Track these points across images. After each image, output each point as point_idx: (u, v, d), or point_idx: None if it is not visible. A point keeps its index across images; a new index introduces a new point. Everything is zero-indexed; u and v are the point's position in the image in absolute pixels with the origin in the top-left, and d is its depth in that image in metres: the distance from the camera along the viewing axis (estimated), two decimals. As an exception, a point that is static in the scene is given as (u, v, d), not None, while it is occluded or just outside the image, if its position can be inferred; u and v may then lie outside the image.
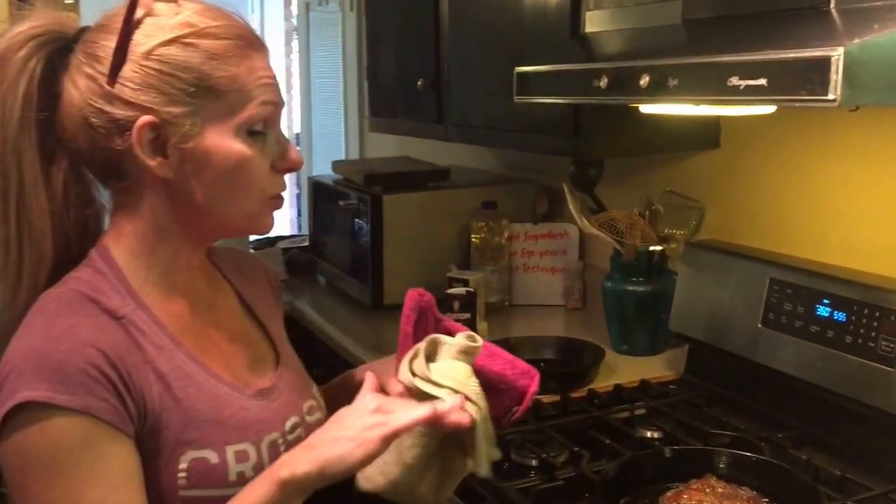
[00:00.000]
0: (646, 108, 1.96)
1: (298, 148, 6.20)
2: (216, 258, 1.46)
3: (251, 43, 1.26)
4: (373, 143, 4.67)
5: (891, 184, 1.94)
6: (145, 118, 1.19)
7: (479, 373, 1.34)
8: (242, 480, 1.22)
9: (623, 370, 2.36)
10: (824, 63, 1.23)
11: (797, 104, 1.30)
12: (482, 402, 1.29)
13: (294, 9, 6.34)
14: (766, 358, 2.00)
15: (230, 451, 1.24)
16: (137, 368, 1.19)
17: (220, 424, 1.25)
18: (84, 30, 1.26)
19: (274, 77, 1.28)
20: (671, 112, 1.94)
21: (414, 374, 1.29)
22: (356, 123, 4.95)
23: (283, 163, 1.29)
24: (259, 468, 1.24)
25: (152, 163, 1.21)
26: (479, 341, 1.34)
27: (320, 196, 3.51)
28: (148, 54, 1.19)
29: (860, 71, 1.23)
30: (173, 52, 1.20)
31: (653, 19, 1.87)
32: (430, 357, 1.32)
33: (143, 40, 1.20)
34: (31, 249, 1.24)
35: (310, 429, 1.33)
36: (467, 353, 1.32)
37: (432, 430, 1.27)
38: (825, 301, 1.88)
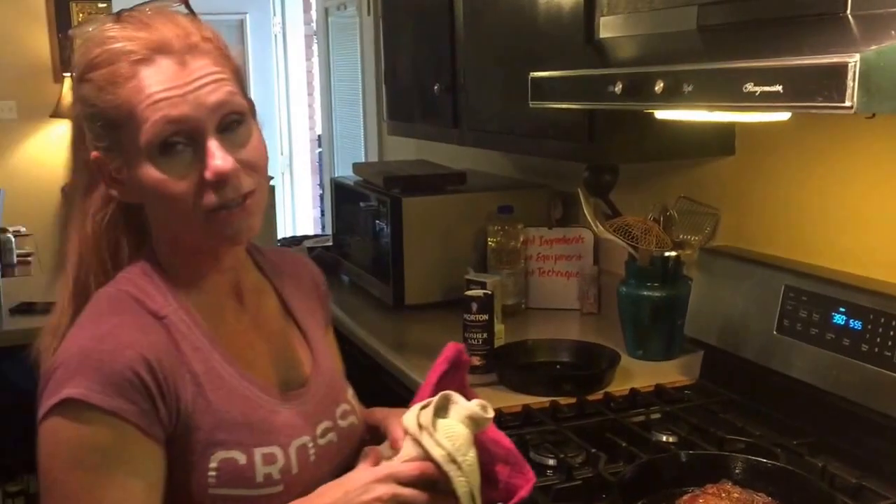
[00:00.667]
0: (661, 114, 1.94)
1: (320, 150, 6.21)
2: (260, 258, 1.47)
3: (146, 57, 1.20)
4: (392, 146, 4.67)
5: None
6: (93, 153, 1.25)
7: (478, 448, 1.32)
8: (270, 482, 1.25)
9: (638, 375, 2.35)
10: (840, 70, 1.22)
11: (813, 111, 1.28)
12: (475, 475, 1.28)
13: (314, 13, 6.35)
14: (782, 365, 1.97)
15: (258, 454, 1.26)
16: (174, 370, 1.22)
17: (249, 427, 1.26)
18: None
19: (185, 85, 1.20)
20: (686, 118, 1.92)
21: (420, 427, 1.28)
22: (375, 126, 4.95)
23: (207, 173, 1.20)
24: (287, 471, 1.27)
25: (114, 192, 1.27)
26: (491, 413, 1.31)
27: (342, 197, 3.53)
28: (77, 96, 1.26)
29: (877, 78, 1.21)
30: (83, 91, 1.24)
31: (668, 25, 1.85)
32: (440, 412, 1.30)
33: (76, 80, 1.25)
34: (78, 259, 1.31)
35: (342, 433, 1.39)
36: (475, 422, 1.30)
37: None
38: (841, 309, 1.85)
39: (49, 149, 6.93)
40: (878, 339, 1.75)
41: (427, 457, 1.27)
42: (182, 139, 1.20)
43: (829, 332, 1.87)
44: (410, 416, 1.31)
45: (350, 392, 1.49)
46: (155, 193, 1.22)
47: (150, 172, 1.20)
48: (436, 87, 2.94)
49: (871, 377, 1.76)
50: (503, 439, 1.39)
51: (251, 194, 1.25)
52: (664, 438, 1.92)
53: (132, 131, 1.19)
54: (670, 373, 2.35)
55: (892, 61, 1.22)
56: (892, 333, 1.73)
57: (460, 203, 3.08)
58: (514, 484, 1.36)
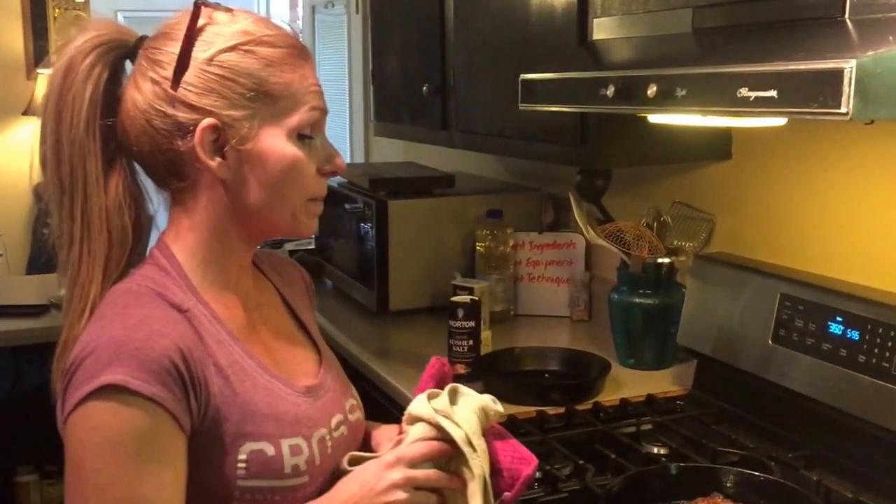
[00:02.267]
0: (654, 118, 1.95)
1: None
2: (257, 260, 1.52)
3: (302, 52, 1.34)
4: (379, 147, 4.67)
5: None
6: (208, 121, 1.27)
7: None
8: (297, 472, 1.30)
9: (629, 384, 2.35)
10: (836, 75, 1.22)
11: (808, 117, 1.29)
12: (486, 462, 1.36)
13: (300, 11, 6.35)
14: (777, 375, 1.98)
15: (285, 445, 1.30)
16: (202, 361, 1.25)
17: (276, 419, 1.31)
18: (143, 38, 1.34)
19: (320, 86, 1.36)
20: (680, 122, 1.92)
21: (436, 411, 1.36)
22: (362, 127, 4.95)
23: (330, 166, 1.37)
24: (311, 462, 1.32)
25: (212, 163, 1.29)
26: (501, 407, 1.40)
27: (326, 198, 3.49)
28: (210, 60, 1.27)
29: (874, 84, 1.22)
30: (233, 58, 1.28)
31: (662, 27, 1.86)
32: (452, 401, 1.39)
33: (204, 47, 1.28)
34: (89, 247, 1.31)
35: (351, 426, 1.45)
36: (486, 414, 1.39)
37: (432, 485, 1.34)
38: (838, 318, 1.86)
39: (19, 148, 6.88)
40: (877, 350, 1.76)
41: (440, 439, 1.34)
42: (311, 132, 1.34)
43: (825, 342, 1.87)
44: (420, 405, 1.38)
45: (353, 388, 1.55)
46: (284, 169, 1.31)
47: (290, 149, 1.31)
48: (425, 88, 2.94)
49: (869, 389, 1.76)
50: (505, 432, 1.46)
51: None
52: (655, 450, 1.93)
53: (284, 109, 1.31)
54: (662, 382, 2.35)
55: (890, 67, 1.23)
56: (890, 344, 1.74)
57: (448, 206, 3.08)
58: (517, 469, 1.41)
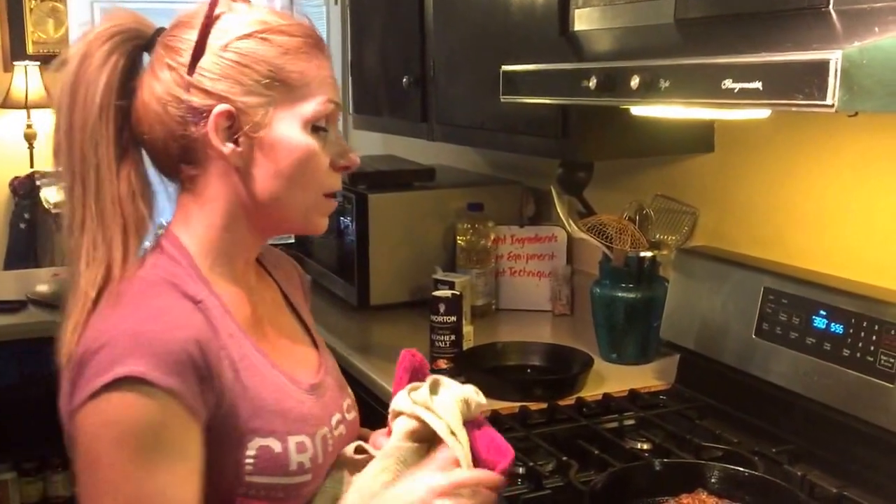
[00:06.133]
0: (637, 110, 1.94)
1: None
2: (259, 255, 1.51)
3: (318, 43, 1.36)
4: (358, 140, 4.64)
5: (892, 192, 1.92)
6: (222, 106, 1.28)
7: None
8: (302, 470, 1.31)
9: (612, 379, 2.35)
10: (822, 66, 1.22)
11: (793, 109, 1.28)
12: (469, 452, 1.37)
13: (278, 1, 6.32)
14: (760, 370, 1.98)
15: (292, 442, 1.31)
16: (217, 354, 1.25)
17: (283, 415, 1.31)
18: (161, 30, 1.35)
19: (335, 78, 1.38)
20: (663, 115, 1.92)
21: (417, 403, 1.38)
22: (340, 119, 4.93)
23: (343, 161, 1.38)
24: (314, 460, 1.33)
25: (225, 150, 1.30)
26: (483, 398, 1.43)
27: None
28: (226, 47, 1.29)
29: (859, 75, 1.22)
30: (250, 45, 1.29)
31: (645, 18, 1.85)
32: (433, 392, 1.41)
33: (220, 35, 1.29)
34: (103, 235, 1.29)
35: (349, 426, 1.46)
36: (467, 404, 1.41)
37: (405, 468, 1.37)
38: (822, 312, 1.86)
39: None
40: (861, 344, 1.76)
41: (422, 432, 1.37)
42: (326, 124, 1.35)
43: (809, 335, 1.87)
44: (401, 399, 1.41)
45: (349, 388, 1.56)
46: (298, 159, 1.32)
47: (304, 139, 1.32)
48: (404, 80, 2.93)
49: (853, 383, 1.76)
50: (483, 421, 1.47)
51: None
52: (638, 446, 1.92)
53: (299, 99, 1.32)
54: (645, 377, 2.36)
55: (875, 58, 1.22)
56: (874, 338, 1.74)
57: (428, 200, 3.07)
58: (493, 462, 1.41)
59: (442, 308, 2.43)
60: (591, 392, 2.23)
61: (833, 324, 1.83)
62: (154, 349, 1.17)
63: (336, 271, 3.18)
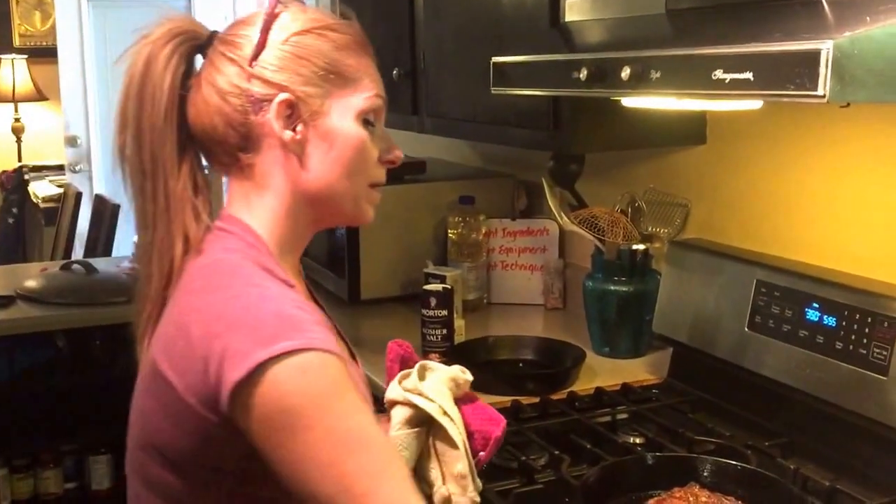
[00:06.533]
0: (628, 102, 1.94)
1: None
2: None
3: (366, 44, 1.45)
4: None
5: (884, 184, 1.92)
6: (283, 95, 1.35)
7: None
8: None
9: (604, 373, 2.35)
10: (813, 57, 1.22)
11: (784, 99, 1.29)
12: (462, 428, 1.44)
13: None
14: (753, 363, 1.99)
15: None
16: None
17: (366, 399, 1.34)
18: (215, 33, 1.43)
19: (380, 77, 1.46)
20: (654, 106, 1.92)
21: (408, 391, 1.44)
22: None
23: (388, 155, 1.45)
24: None
25: (286, 136, 1.36)
26: (470, 376, 1.49)
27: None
28: (286, 41, 1.36)
29: (850, 65, 1.22)
30: (308, 40, 1.37)
31: (636, 8, 1.85)
32: (421, 377, 1.47)
33: (280, 30, 1.37)
34: (171, 227, 1.36)
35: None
36: (456, 383, 1.47)
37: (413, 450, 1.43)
38: (815, 305, 1.86)
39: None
40: (854, 337, 1.76)
41: (417, 417, 1.42)
42: (374, 119, 1.42)
43: (802, 328, 1.88)
44: (394, 389, 1.47)
45: None
46: (353, 148, 1.39)
47: (359, 130, 1.39)
48: (394, 73, 2.92)
49: (846, 376, 1.77)
50: (474, 395, 1.54)
51: None
52: (631, 440, 1.93)
53: (353, 91, 1.39)
54: (638, 371, 2.36)
55: (867, 49, 1.23)
56: (867, 331, 1.74)
57: (419, 193, 3.07)
58: (487, 431, 1.47)
59: (433, 302, 2.43)
60: (584, 386, 2.23)
61: (826, 316, 1.83)
62: (305, 323, 1.22)
63: (326, 265, 3.18)
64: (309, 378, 1.19)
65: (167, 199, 1.37)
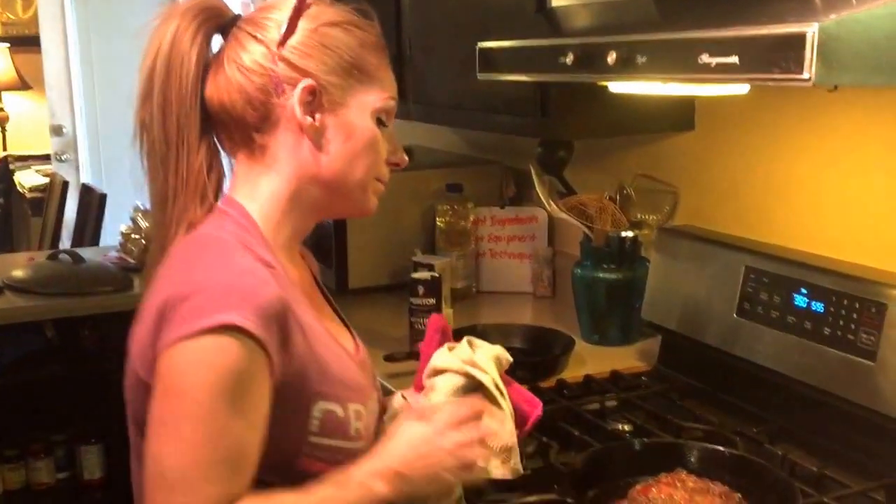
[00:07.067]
0: (615, 87, 1.94)
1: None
2: None
3: (385, 46, 1.49)
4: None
5: (872, 169, 1.93)
6: (308, 81, 1.38)
7: None
8: (359, 436, 1.41)
9: (593, 360, 2.36)
10: (798, 40, 1.23)
11: (770, 83, 1.29)
12: (510, 404, 1.54)
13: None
14: (742, 349, 1.99)
15: (351, 409, 1.40)
16: (292, 315, 1.32)
17: (344, 383, 1.41)
18: (239, 16, 1.46)
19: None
20: (641, 91, 1.92)
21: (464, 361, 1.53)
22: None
23: (394, 157, 1.50)
24: (367, 428, 1.44)
25: (306, 122, 1.39)
26: (509, 356, 1.61)
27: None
28: (315, 30, 1.40)
29: (837, 49, 1.23)
30: (335, 32, 1.41)
31: (622, -8, 1.85)
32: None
33: (311, 19, 1.41)
34: (185, 202, 1.40)
35: (381, 403, 1.56)
36: (499, 361, 1.57)
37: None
38: (803, 291, 1.87)
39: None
40: (841, 322, 1.77)
41: (469, 386, 1.51)
42: (386, 119, 1.46)
43: (790, 314, 1.89)
44: (445, 357, 1.55)
45: None
46: (366, 142, 1.43)
47: (373, 126, 1.44)
48: (381, 59, 2.91)
49: (834, 361, 1.78)
50: (510, 379, 1.63)
51: None
52: (619, 426, 1.93)
53: (372, 89, 1.43)
54: (627, 358, 2.37)
55: (853, 32, 1.24)
56: (855, 316, 1.75)
57: (407, 181, 3.04)
58: (525, 410, 1.59)
59: (421, 290, 2.43)
60: (573, 374, 2.24)
61: (814, 302, 1.84)
62: (251, 301, 1.25)
63: (314, 254, 3.15)
64: (210, 362, 1.23)
65: (187, 174, 1.40)
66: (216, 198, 1.43)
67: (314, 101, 1.40)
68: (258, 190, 1.44)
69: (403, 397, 1.57)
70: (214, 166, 1.43)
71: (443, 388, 1.52)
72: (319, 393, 1.36)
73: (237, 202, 1.44)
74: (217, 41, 1.45)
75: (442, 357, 1.56)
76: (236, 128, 1.43)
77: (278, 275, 1.36)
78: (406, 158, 1.53)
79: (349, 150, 1.42)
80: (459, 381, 1.52)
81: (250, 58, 1.39)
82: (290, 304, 1.33)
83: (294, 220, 1.46)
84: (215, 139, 1.45)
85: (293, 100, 1.38)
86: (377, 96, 1.44)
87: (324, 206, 1.48)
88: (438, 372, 1.54)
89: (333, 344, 1.44)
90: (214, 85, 1.42)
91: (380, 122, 1.45)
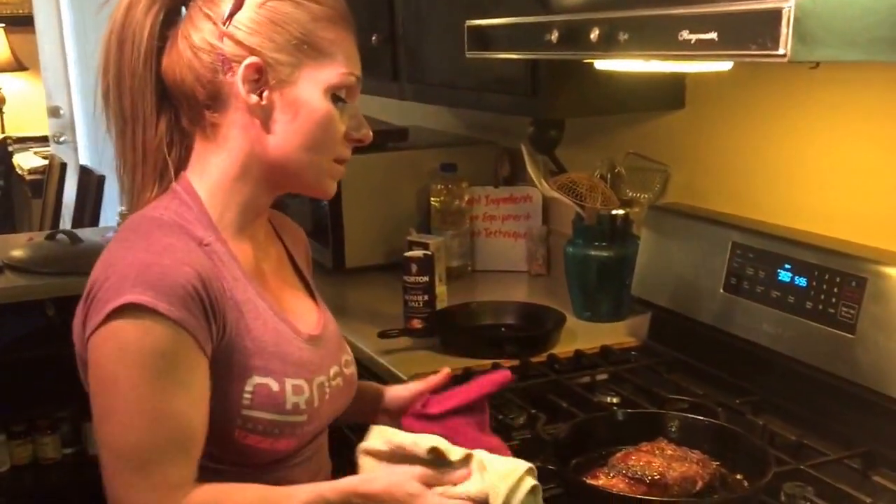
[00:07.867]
0: (599, 64, 1.97)
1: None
2: (270, 217, 1.62)
3: (346, 18, 1.46)
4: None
5: (853, 146, 1.96)
6: (253, 59, 1.37)
7: (467, 406, 1.60)
8: (297, 410, 1.42)
9: (584, 336, 2.40)
10: (774, 15, 1.24)
11: (747, 59, 1.31)
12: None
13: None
14: (728, 324, 2.03)
15: (289, 384, 1.41)
16: (220, 293, 1.35)
17: (281, 358, 1.42)
18: None
19: (358, 54, 1.48)
20: (626, 69, 1.95)
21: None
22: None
23: (356, 133, 1.47)
24: (310, 403, 1.44)
25: (251, 101, 1.39)
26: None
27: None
28: (262, 5, 1.38)
29: (812, 24, 1.24)
30: (285, 7, 1.39)
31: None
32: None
33: None
34: (143, 179, 1.44)
35: (346, 379, 1.58)
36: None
37: None
38: (787, 266, 1.91)
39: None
40: (822, 296, 1.81)
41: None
42: (346, 96, 1.44)
43: (774, 289, 1.92)
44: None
45: (347, 346, 1.67)
46: (316, 121, 1.41)
47: (324, 104, 1.41)
48: (374, 38, 2.93)
49: (815, 334, 1.82)
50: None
51: None
52: (607, 399, 1.98)
53: (325, 65, 1.41)
54: (618, 334, 2.41)
55: (829, 7, 1.24)
56: (835, 290, 1.79)
57: (402, 161, 3.10)
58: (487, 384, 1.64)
59: (414, 268, 2.47)
60: (564, 349, 2.28)
61: (797, 277, 1.88)
62: (162, 282, 1.27)
63: (311, 234, 3.14)
64: (126, 344, 1.26)
65: (144, 149, 1.42)
66: (176, 176, 1.44)
67: (261, 78, 1.38)
68: (207, 168, 1.44)
69: (439, 451, 1.38)
70: (175, 143, 1.44)
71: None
72: (253, 367, 1.38)
73: (187, 179, 1.44)
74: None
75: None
76: (189, 106, 1.43)
77: (213, 252, 1.38)
78: (370, 134, 1.50)
79: (297, 128, 1.41)
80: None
81: (199, 35, 1.39)
82: (220, 281, 1.35)
83: (243, 198, 1.45)
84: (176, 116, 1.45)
85: (238, 78, 1.37)
86: (332, 72, 1.41)
87: (276, 183, 1.47)
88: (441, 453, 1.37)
89: (275, 320, 1.44)
90: (169, 60, 1.41)
91: (337, 99, 1.43)
